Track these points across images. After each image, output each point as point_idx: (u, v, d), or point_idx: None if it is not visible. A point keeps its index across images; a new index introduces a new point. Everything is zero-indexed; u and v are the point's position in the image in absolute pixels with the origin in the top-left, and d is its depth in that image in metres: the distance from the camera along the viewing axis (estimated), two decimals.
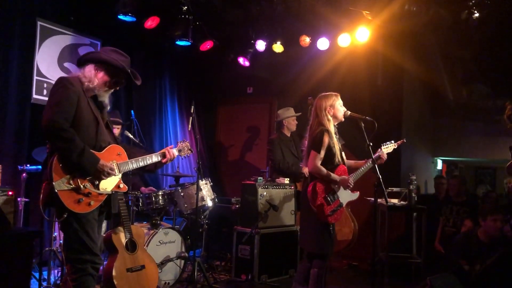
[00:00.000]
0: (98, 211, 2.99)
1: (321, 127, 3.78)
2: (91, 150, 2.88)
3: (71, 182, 2.79)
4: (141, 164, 3.19)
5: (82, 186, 2.81)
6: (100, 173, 2.88)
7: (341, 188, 3.82)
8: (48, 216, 3.63)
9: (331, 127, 3.80)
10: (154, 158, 3.27)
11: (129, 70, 3.11)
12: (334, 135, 3.80)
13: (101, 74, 3.02)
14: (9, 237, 2.12)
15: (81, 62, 3.07)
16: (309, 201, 3.75)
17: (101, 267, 4.01)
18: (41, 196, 2.78)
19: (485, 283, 4.10)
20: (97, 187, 2.89)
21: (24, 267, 1.97)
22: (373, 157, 3.71)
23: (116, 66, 3.05)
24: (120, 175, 3.07)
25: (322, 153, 3.73)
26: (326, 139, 3.72)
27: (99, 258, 2.95)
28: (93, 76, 2.99)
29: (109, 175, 2.93)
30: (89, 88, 2.99)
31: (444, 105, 8.31)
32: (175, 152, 3.41)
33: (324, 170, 3.74)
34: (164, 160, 3.32)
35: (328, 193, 3.77)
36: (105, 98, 3.12)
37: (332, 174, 3.76)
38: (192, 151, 3.59)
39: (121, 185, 3.07)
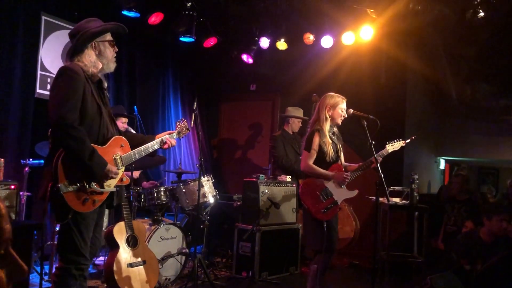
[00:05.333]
0: (98, 207, 2.92)
1: (315, 126, 3.84)
2: (98, 148, 2.80)
3: (78, 183, 2.70)
4: (143, 153, 3.11)
5: (87, 186, 2.73)
6: (105, 177, 2.80)
7: (336, 186, 3.82)
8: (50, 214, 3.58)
9: (327, 126, 3.82)
10: (155, 145, 3.20)
11: (120, 25, 3.12)
12: (328, 135, 3.81)
13: (102, 47, 2.97)
14: None
15: (75, 53, 2.95)
16: (301, 199, 3.82)
17: (101, 262, 4.01)
18: (44, 194, 2.70)
19: (487, 283, 4.09)
20: (102, 185, 2.81)
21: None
22: (375, 155, 3.70)
23: (111, 30, 3.06)
24: (123, 168, 2.99)
25: (313, 152, 3.78)
26: (316, 139, 3.77)
27: (84, 259, 2.83)
28: (94, 59, 2.92)
29: (112, 179, 2.85)
30: (94, 73, 2.91)
31: (448, 104, 8.29)
32: (173, 139, 3.32)
33: (315, 167, 3.78)
34: (165, 147, 3.25)
35: (321, 191, 3.79)
36: (113, 67, 3.06)
37: (325, 171, 3.79)
38: (189, 130, 3.52)
39: (124, 179, 3.00)
